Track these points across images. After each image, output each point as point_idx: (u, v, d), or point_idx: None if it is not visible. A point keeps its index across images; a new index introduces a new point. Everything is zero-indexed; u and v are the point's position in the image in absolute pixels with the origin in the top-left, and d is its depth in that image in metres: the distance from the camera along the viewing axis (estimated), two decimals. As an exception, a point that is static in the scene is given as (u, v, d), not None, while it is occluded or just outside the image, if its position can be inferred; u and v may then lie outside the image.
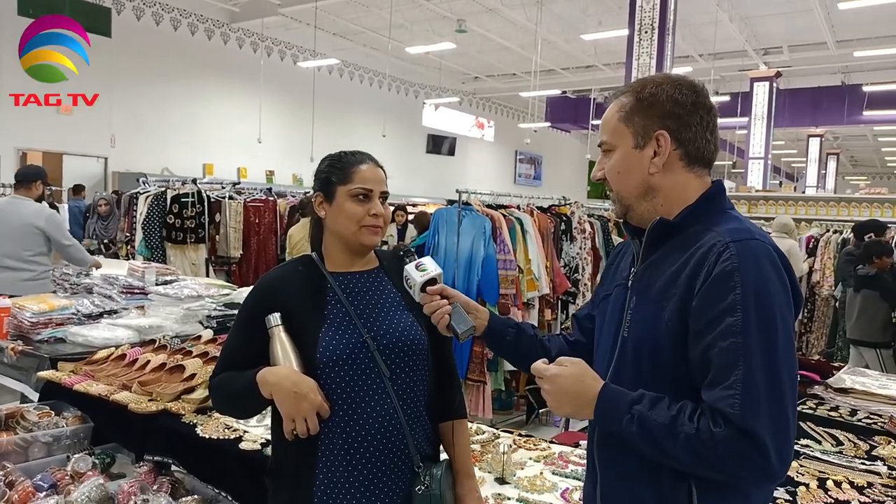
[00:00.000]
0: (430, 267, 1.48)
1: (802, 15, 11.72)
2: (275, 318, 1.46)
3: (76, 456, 2.22)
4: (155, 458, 2.22)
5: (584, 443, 2.55)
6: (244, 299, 1.57)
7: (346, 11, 12.57)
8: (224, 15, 12.85)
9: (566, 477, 1.94)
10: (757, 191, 10.17)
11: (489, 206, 4.65)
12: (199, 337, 3.04)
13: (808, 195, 10.57)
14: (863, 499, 1.78)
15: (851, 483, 1.86)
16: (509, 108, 20.54)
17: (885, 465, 2.01)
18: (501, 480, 1.90)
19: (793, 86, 16.27)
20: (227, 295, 3.72)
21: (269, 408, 1.46)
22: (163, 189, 6.76)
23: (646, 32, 8.96)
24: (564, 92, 17.58)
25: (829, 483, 1.85)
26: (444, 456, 1.59)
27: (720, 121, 1.19)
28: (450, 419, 1.60)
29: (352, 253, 1.54)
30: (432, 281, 1.46)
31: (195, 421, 2.25)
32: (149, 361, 2.65)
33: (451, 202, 4.75)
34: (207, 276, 6.33)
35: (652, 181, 1.16)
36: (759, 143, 14.90)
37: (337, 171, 1.53)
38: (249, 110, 12.75)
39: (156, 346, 2.88)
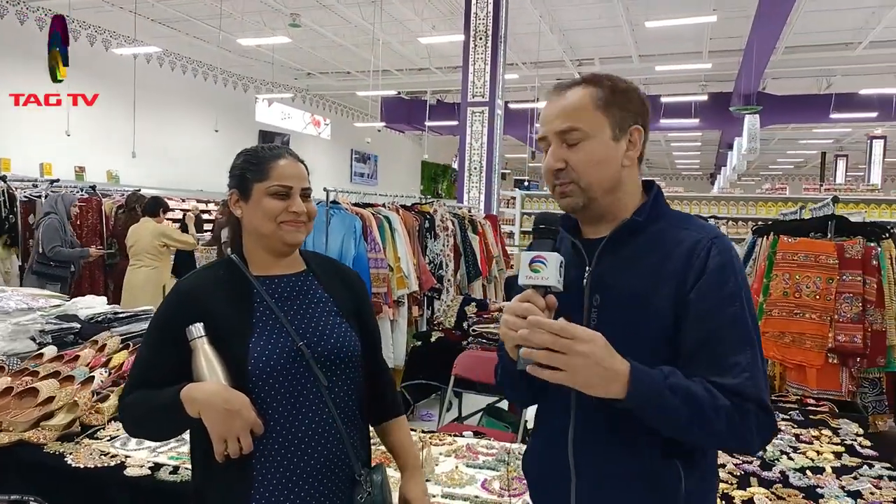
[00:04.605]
0: (548, 271, 1.08)
1: (612, 30, 12.91)
2: (197, 329, 1.33)
3: None
4: (12, 497, 1.92)
5: (467, 433, 2.62)
6: (157, 309, 1.41)
7: (167, -4, 11.65)
8: (20, -10, 11.29)
9: (480, 468, 1.98)
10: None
11: (356, 205, 4.58)
12: (41, 355, 2.68)
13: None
14: None
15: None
16: (345, 106, 20.32)
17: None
18: (419, 478, 1.90)
19: (604, 94, 17.87)
20: (59, 307, 3.36)
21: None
22: (-45, 187, 5.81)
23: (480, 39, 9.37)
24: (399, 93, 17.78)
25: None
26: (375, 459, 1.56)
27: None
28: (389, 418, 1.57)
29: (275, 253, 1.45)
30: (543, 289, 1.08)
31: (62, 450, 1.99)
32: (-12, 387, 2.28)
33: (318, 202, 4.62)
34: (21, 285, 5.54)
35: (622, 175, 1.20)
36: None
37: (252, 167, 1.44)
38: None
39: (-9, 368, 2.49)
